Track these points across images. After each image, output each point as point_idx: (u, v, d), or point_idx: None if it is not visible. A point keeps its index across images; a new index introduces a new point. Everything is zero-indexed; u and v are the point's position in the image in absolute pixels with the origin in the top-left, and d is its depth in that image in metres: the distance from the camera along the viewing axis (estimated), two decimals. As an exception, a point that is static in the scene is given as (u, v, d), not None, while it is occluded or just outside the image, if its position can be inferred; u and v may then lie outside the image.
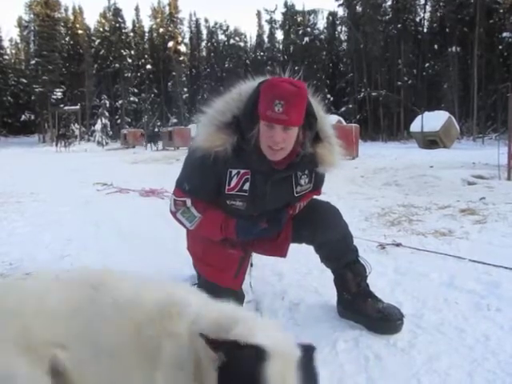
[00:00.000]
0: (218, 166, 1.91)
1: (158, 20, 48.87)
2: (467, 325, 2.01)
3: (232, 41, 48.92)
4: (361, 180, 8.04)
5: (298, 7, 45.55)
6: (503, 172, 7.25)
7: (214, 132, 1.87)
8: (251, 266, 2.34)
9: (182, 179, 2.10)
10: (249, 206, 2.02)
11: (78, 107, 35.68)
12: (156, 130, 28.04)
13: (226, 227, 2.04)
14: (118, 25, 44.89)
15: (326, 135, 1.99)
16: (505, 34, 30.64)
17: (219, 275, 2.15)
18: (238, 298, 2.19)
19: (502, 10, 32.79)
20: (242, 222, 2.04)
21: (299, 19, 44.33)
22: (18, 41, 53.73)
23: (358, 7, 38.94)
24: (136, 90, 44.70)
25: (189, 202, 2.05)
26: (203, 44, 53.00)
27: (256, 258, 2.38)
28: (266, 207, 2.05)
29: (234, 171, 1.96)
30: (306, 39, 42.01)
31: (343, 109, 37.45)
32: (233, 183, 1.97)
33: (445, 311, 2.16)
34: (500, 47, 31.71)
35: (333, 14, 43.49)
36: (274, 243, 2.19)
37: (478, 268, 2.73)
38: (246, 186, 1.98)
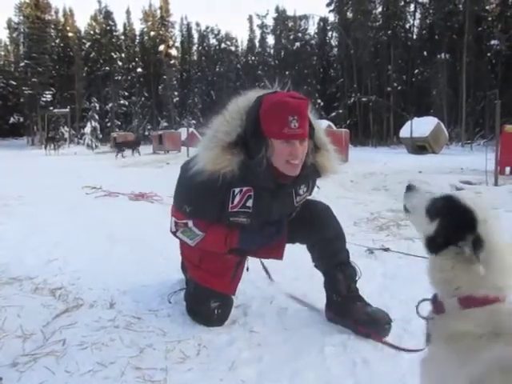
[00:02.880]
0: (222, 188, 1.89)
1: (149, 23, 48.69)
2: (454, 329, 2.01)
3: (223, 45, 49.00)
4: (350, 184, 8.06)
5: (290, 12, 45.77)
6: (490, 178, 7.33)
7: (220, 153, 1.83)
8: (247, 270, 2.35)
9: (180, 202, 2.06)
10: (252, 220, 2.03)
11: (67, 110, 35.34)
12: None
13: (231, 241, 2.06)
14: (108, 28, 44.66)
15: (322, 142, 2.01)
16: (493, 42, 31.05)
17: (215, 281, 2.16)
18: (228, 302, 2.20)
19: (490, 18, 33.35)
20: (245, 233, 2.06)
21: (290, 24, 44.61)
22: (8, 43, 53.32)
23: (348, 13, 39.33)
24: (126, 93, 44.44)
25: (190, 223, 2.05)
26: (194, 48, 53.00)
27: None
28: (269, 220, 2.07)
29: (237, 190, 1.94)
30: (297, 44, 42.32)
31: (333, 114, 37.66)
32: (236, 201, 1.97)
33: (432, 315, 2.16)
34: (488, 54, 32.13)
35: (324, 20, 43.86)
36: (270, 246, 2.20)
37: (464, 272, 2.74)
38: (249, 203, 1.97)
